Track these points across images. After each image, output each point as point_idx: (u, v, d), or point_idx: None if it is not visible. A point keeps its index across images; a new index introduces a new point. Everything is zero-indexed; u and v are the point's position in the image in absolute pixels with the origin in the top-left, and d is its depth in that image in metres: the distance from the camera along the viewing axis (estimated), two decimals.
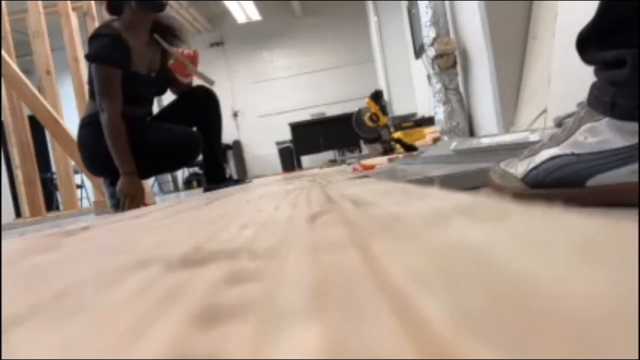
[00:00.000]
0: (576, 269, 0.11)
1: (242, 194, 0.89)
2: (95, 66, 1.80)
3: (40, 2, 2.85)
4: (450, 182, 0.86)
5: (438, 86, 2.78)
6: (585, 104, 0.53)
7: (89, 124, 1.89)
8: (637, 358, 0.06)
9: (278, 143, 6.70)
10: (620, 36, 0.49)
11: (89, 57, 1.83)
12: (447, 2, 2.87)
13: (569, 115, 0.65)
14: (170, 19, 2.08)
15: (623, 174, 0.48)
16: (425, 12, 2.87)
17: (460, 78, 2.79)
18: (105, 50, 1.80)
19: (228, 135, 6.75)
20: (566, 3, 1.72)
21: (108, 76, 1.79)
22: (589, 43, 0.52)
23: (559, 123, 1.07)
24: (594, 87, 0.52)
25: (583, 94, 0.54)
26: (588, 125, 0.51)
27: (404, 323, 0.09)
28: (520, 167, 0.60)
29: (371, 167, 1.78)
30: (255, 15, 6.72)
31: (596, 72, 0.52)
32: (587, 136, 0.51)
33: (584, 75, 0.58)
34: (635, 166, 0.47)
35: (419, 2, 3.03)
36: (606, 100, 0.50)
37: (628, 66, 0.47)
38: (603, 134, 0.50)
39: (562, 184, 0.54)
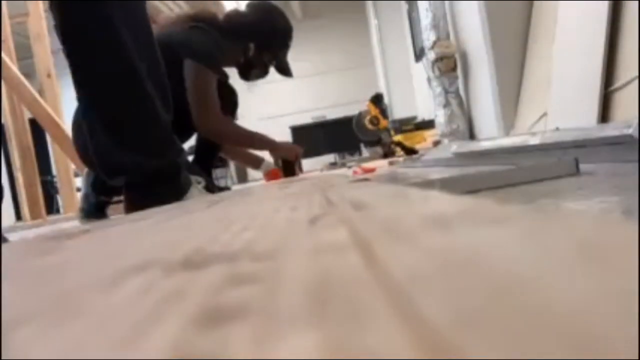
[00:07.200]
0: (576, 269, 0.11)
1: (243, 197, 0.89)
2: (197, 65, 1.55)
3: (41, 4, 2.86)
4: (451, 185, 0.86)
5: (438, 89, 2.79)
6: None
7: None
8: (637, 358, 0.06)
9: None
10: None
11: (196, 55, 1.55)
12: (447, 4, 2.88)
13: None
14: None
15: None
16: (425, 16, 2.87)
17: (460, 81, 2.80)
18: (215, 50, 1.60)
19: None
20: (566, 4, 1.72)
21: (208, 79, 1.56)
22: None
23: None
24: None
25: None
26: None
27: (405, 324, 0.09)
28: None
29: (371, 170, 1.78)
30: None
31: None
32: None
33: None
34: None
35: (419, 5, 3.04)
36: None
37: None
38: None
39: None
